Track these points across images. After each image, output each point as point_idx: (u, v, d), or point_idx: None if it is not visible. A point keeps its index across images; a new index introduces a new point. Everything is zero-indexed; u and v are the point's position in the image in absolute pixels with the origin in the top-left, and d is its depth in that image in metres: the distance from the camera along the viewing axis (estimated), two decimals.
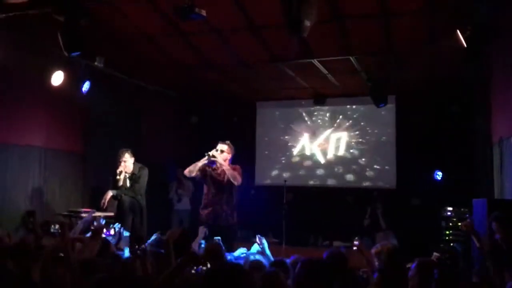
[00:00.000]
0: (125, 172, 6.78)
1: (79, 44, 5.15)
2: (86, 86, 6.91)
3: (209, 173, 5.86)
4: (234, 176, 5.63)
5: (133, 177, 6.81)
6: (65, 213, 6.75)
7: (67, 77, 6.66)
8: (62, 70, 6.58)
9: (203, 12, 5.03)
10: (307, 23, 4.46)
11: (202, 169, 5.86)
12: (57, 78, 6.58)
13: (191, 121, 10.41)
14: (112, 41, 7.13)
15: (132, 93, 8.57)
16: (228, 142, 5.92)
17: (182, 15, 5.12)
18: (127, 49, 7.43)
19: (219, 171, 5.84)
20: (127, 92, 8.39)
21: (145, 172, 6.89)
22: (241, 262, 3.93)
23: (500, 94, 5.36)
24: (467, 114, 8.30)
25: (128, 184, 6.79)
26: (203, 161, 5.82)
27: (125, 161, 6.75)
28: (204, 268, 3.09)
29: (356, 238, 4.48)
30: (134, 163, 6.84)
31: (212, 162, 5.84)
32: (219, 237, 4.63)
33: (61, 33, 5.08)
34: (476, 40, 5.36)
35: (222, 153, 5.81)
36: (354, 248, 4.33)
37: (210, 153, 5.74)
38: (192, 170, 5.87)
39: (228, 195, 5.81)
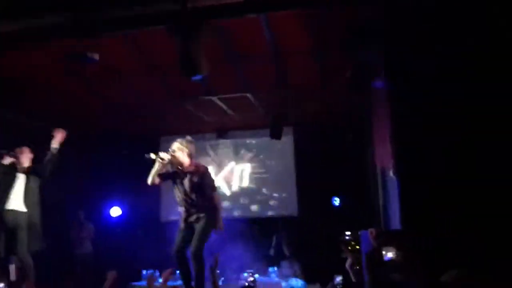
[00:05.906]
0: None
1: None
2: None
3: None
4: None
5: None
6: None
7: None
8: None
9: (96, 56, 5.08)
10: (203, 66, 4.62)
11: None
12: None
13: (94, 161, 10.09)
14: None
15: (27, 133, 8.17)
16: (179, 140, 5.63)
17: (75, 60, 5.16)
18: (21, 93, 7.13)
19: None
20: (21, 132, 7.99)
21: None
22: None
23: (378, 127, 5.86)
24: (360, 143, 8.92)
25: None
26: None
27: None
28: None
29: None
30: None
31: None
32: None
33: None
34: (357, 78, 5.88)
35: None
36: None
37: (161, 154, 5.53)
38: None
39: None
